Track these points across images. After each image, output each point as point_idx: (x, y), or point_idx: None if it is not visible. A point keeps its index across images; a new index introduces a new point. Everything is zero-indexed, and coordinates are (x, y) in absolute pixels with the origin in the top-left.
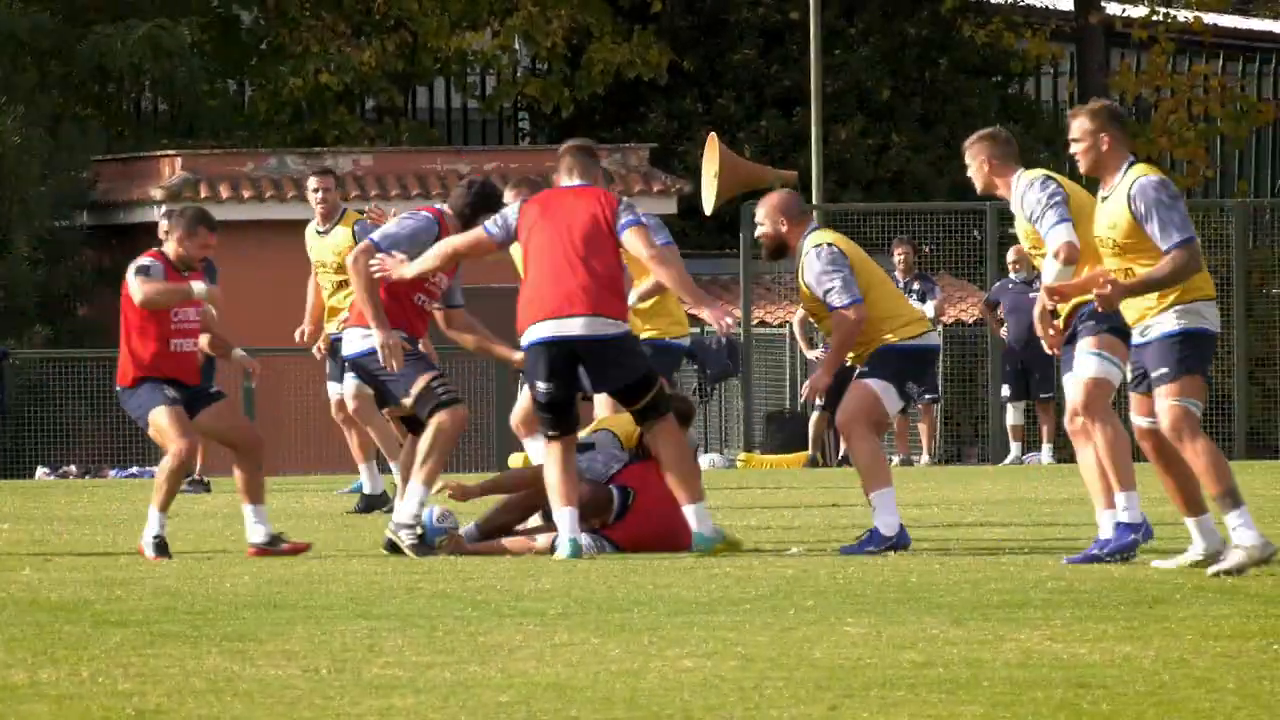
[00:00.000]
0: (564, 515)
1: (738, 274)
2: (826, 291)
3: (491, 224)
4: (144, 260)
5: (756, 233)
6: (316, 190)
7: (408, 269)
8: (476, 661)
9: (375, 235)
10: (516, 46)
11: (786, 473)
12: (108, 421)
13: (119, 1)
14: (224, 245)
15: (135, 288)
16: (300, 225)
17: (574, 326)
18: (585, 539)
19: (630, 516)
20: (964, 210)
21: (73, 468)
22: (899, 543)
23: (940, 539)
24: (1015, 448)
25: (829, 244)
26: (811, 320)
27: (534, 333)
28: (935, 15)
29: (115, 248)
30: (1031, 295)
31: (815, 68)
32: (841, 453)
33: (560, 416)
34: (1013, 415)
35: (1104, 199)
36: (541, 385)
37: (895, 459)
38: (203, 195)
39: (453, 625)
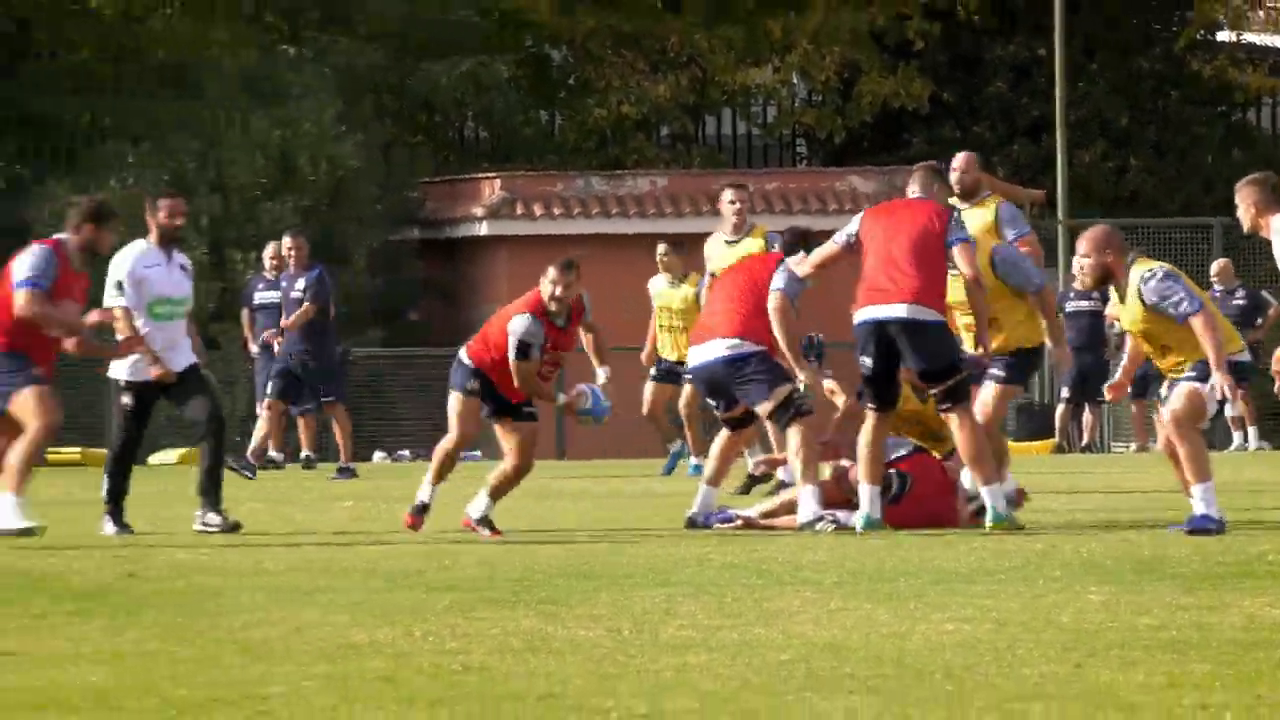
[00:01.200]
0: (864, 491)
1: None
2: (1176, 303)
3: (841, 234)
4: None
5: (1085, 265)
6: (733, 202)
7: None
8: (761, 624)
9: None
10: (795, 80)
11: (1034, 458)
12: (436, 410)
13: (444, 42)
14: (537, 257)
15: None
16: (603, 239)
17: (898, 311)
18: (843, 514)
19: (905, 502)
20: (1191, 226)
21: (406, 452)
22: (1219, 527)
23: (1173, 518)
24: (1237, 436)
25: (1159, 266)
26: (1145, 348)
27: (863, 314)
28: (1168, 52)
29: (442, 260)
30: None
31: (1060, 99)
32: (1085, 440)
33: (880, 390)
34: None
35: None
36: (866, 360)
37: (1132, 446)
38: (518, 213)
39: (740, 592)
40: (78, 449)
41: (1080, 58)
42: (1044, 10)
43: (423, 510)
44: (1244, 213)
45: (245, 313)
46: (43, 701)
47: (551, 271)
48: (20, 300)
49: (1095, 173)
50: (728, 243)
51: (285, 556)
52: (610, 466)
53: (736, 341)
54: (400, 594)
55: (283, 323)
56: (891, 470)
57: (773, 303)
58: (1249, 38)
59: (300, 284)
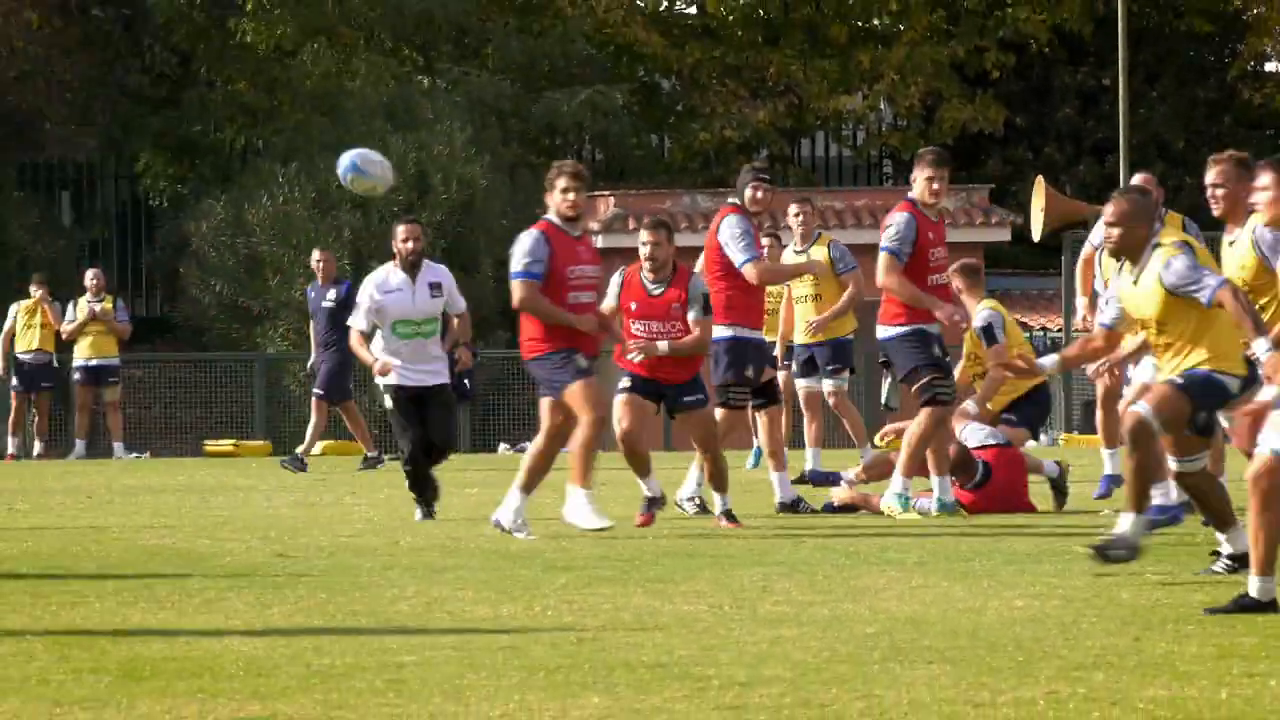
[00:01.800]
0: (936, 480)
1: (1059, 289)
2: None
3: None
4: None
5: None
6: (798, 215)
7: None
8: (849, 600)
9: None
10: (882, 106)
11: (1092, 449)
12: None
13: (565, 72)
14: None
15: None
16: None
17: None
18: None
19: (984, 489)
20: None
21: (527, 444)
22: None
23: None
24: None
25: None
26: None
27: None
28: (1221, 81)
29: None
30: None
31: (1123, 123)
32: None
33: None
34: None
35: (1230, 244)
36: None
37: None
38: (630, 227)
39: (829, 571)
40: (232, 441)
41: (1141, 86)
42: (1108, 43)
43: (653, 504)
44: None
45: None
46: (199, 670)
47: (643, 232)
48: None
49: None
50: (796, 252)
51: (417, 539)
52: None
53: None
54: (521, 572)
55: (311, 331)
56: (978, 459)
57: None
58: None
59: (330, 295)
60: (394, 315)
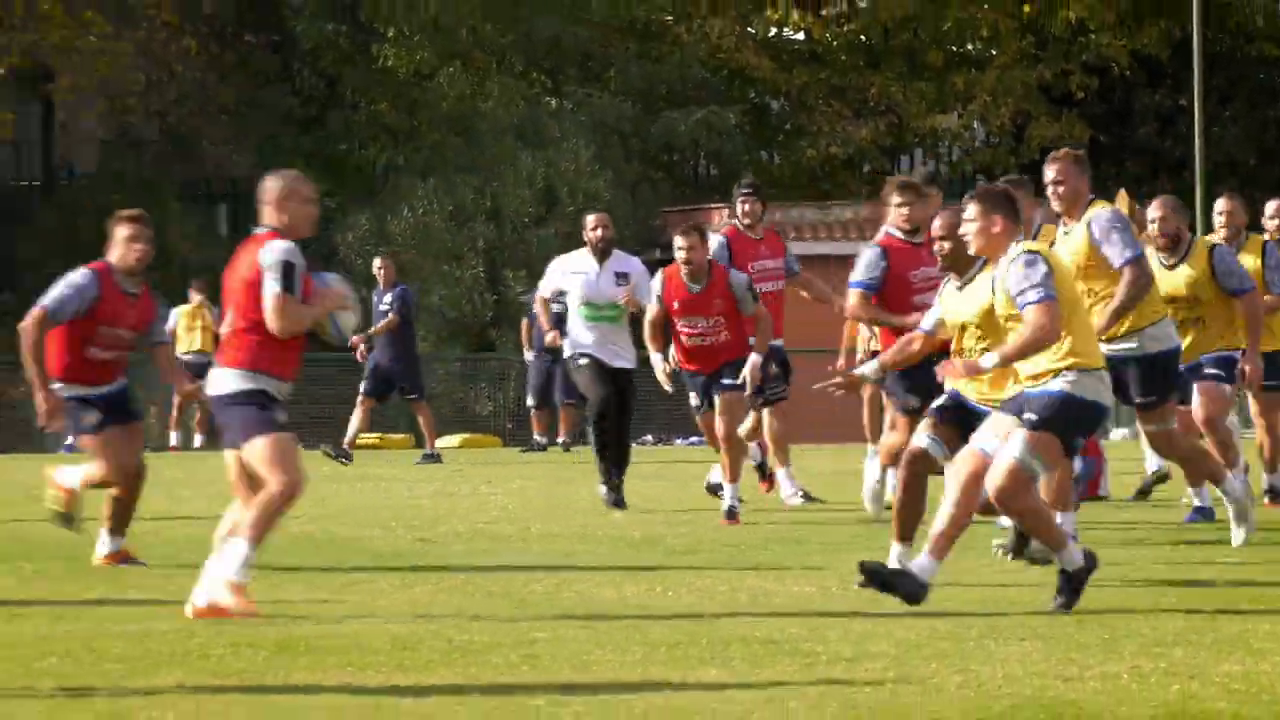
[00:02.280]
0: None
1: None
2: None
3: None
4: None
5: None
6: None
7: None
8: (949, 582)
9: None
10: (975, 125)
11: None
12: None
13: (681, 94)
14: None
15: None
16: (814, 259)
17: None
18: None
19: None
20: None
21: (649, 437)
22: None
23: None
24: None
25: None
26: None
27: None
28: None
29: None
30: None
31: (1199, 142)
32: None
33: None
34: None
35: (1066, 234)
36: None
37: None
38: None
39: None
40: (376, 435)
41: (1215, 108)
42: (1185, 67)
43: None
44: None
45: (524, 321)
46: (348, 646)
47: (677, 238)
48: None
49: None
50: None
51: (549, 525)
52: (812, 450)
53: None
54: (645, 556)
55: (371, 330)
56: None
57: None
58: None
59: (387, 299)
60: (579, 297)
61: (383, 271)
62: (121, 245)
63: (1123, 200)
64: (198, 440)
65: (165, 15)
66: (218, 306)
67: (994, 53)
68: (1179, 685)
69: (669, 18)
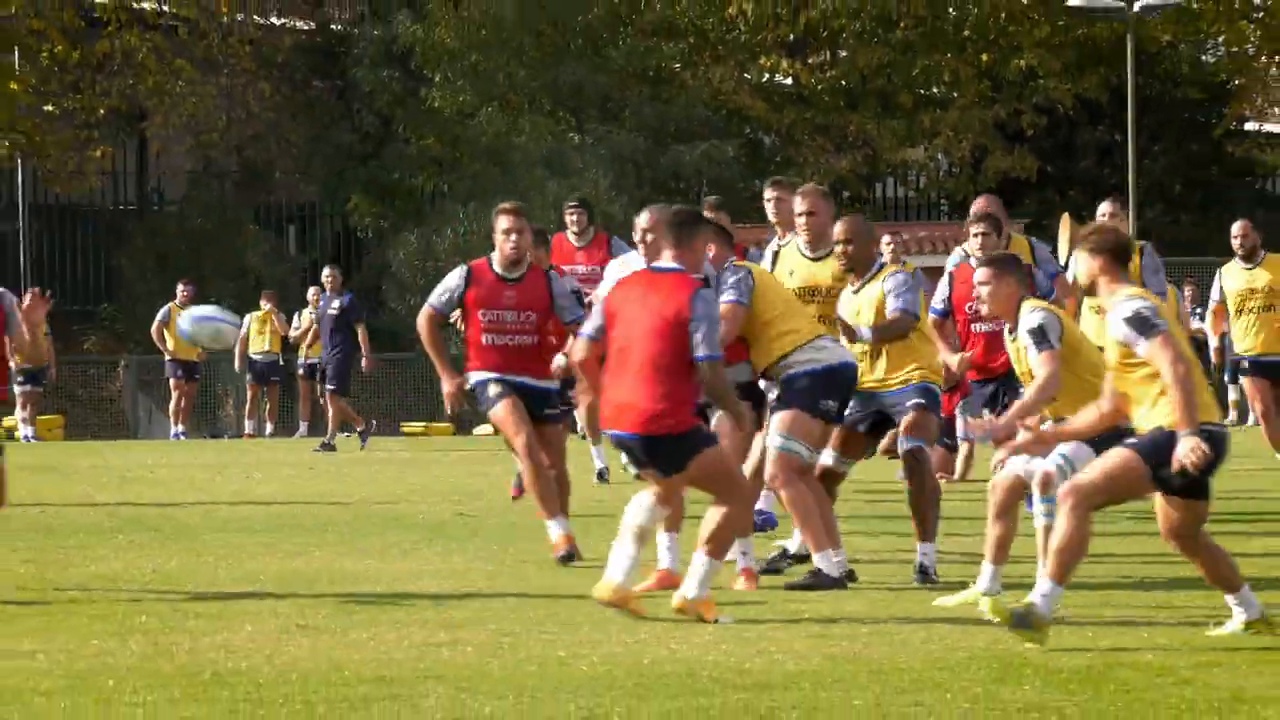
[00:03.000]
0: None
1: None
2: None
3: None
4: None
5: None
6: (889, 244)
7: None
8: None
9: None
10: (939, 157)
11: None
12: None
13: (687, 131)
14: None
15: None
16: None
17: None
18: None
19: None
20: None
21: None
22: None
23: None
24: None
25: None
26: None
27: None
28: (1210, 138)
29: None
30: None
31: (1132, 171)
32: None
33: None
34: None
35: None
36: None
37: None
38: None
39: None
40: (423, 423)
41: (1146, 143)
42: (1120, 108)
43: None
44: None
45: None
46: (397, 605)
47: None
48: None
49: (1155, 225)
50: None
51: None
52: None
53: None
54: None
55: (319, 336)
56: None
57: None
58: (1269, 127)
59: (335, 304)
60: None
61: (330, 279)
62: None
63: (1065, 224)
64: (268, 429)
65: (244, 63)
66: (284, 314)
67: (956, 95)
68: (1110, 639)
69: (677, 66)
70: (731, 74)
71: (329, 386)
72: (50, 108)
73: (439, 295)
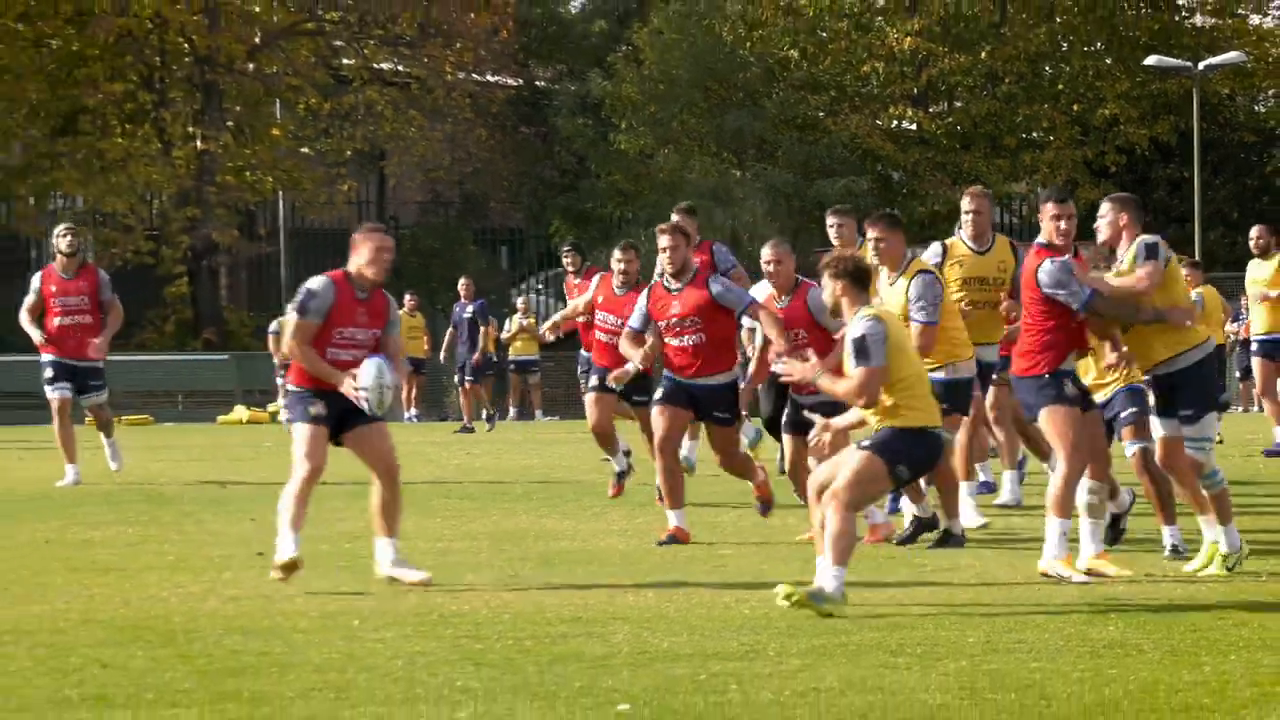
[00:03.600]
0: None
1: None
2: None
3: None
4: None
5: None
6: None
7: None
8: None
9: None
10: (1038, 190)
11: None
12: None
13: (829, 167)
14: None
15: None
16: None
17: None
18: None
19: None
20: None
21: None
22: None
23: None
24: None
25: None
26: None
27: None
28: (1262, 172)
29: None
30: None
31: (1198, 201)
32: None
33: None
34: None
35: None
36: None
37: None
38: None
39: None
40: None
41: (1209, 176)
42: (1187, 148)
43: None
44: (1109, 224)
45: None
46: (589, 559)
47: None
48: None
49: (1217, 245)
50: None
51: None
52: None
53: None
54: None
55: (460, 338)
56: None
57: None
58: None
59: (469, 309)
60: None
61: (465, 289)
62: None
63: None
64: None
65: (465, 113)
66: (496, 318)
67: (1052, 138)
68: (1181, 590)
69: (821, 114)
70: (866, 121)
71: (469, 378)
72: (305, 150)
73: (636, 318)
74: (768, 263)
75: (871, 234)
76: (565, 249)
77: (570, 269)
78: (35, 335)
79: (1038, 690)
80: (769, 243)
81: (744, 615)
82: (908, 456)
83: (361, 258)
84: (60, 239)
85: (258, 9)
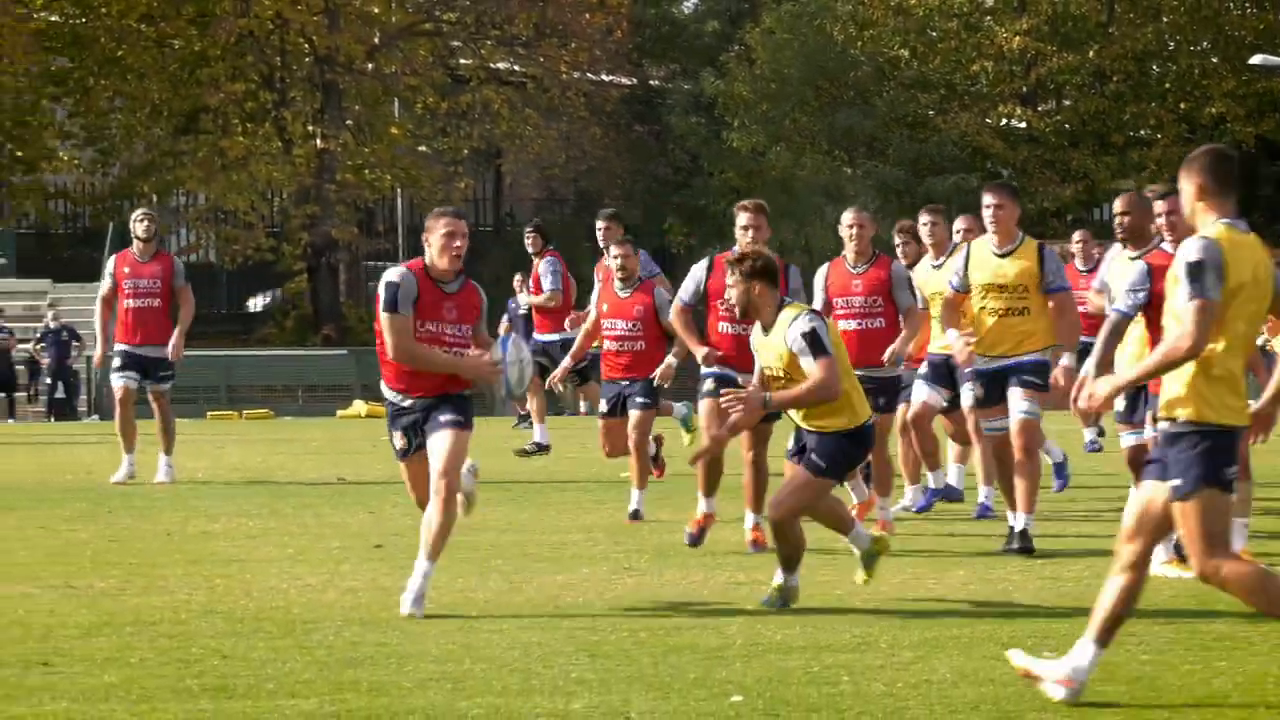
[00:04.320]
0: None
1: None
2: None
3: None
4: None
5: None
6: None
7: None
8: None
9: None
10: (1146, 188)
11: None
12: None
13: (939, 165)
14: None
15: None
16: None
17: None
18: None
19: None
20: None
21: None
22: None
23: None
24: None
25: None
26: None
27: None
28: None
29: None
30: None
31: None
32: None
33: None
34: None
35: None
36: None
37: None
38: None
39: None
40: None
41: None
42: None
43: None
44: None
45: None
46: (702, 550)
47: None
48: None
49: None
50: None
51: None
52: None
53: None
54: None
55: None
56: None
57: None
58: None
59: (526, 303)
60: None
61: (520, 284)
62: None
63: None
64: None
65: (579, 112)
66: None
67: (1159, 136)
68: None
69: (931, 112)
70: (975, 119)
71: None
72: (424, 148)
73: (687, 289)
74: (850, 226)
75: (990, 200)
76: (528, 230)
77: (531, 250)
78: (100, 343)
79: (1147, 683)
80: (850, 209)
81: (855, 607)
82: (850, 461)
83: (433, 248)
84: (137, 224)
85: (376, 10)
